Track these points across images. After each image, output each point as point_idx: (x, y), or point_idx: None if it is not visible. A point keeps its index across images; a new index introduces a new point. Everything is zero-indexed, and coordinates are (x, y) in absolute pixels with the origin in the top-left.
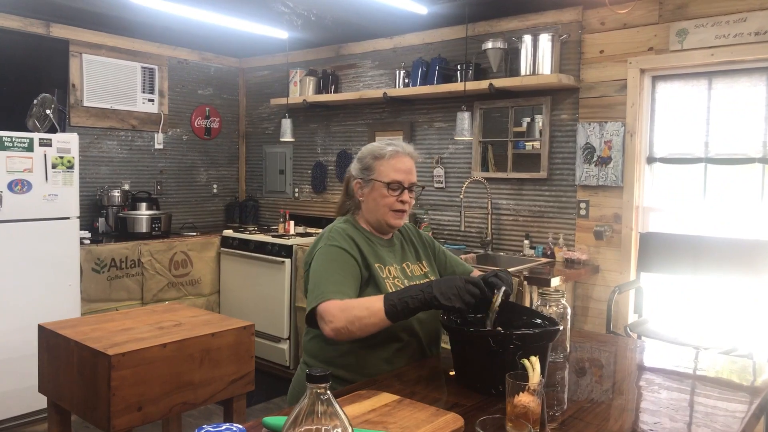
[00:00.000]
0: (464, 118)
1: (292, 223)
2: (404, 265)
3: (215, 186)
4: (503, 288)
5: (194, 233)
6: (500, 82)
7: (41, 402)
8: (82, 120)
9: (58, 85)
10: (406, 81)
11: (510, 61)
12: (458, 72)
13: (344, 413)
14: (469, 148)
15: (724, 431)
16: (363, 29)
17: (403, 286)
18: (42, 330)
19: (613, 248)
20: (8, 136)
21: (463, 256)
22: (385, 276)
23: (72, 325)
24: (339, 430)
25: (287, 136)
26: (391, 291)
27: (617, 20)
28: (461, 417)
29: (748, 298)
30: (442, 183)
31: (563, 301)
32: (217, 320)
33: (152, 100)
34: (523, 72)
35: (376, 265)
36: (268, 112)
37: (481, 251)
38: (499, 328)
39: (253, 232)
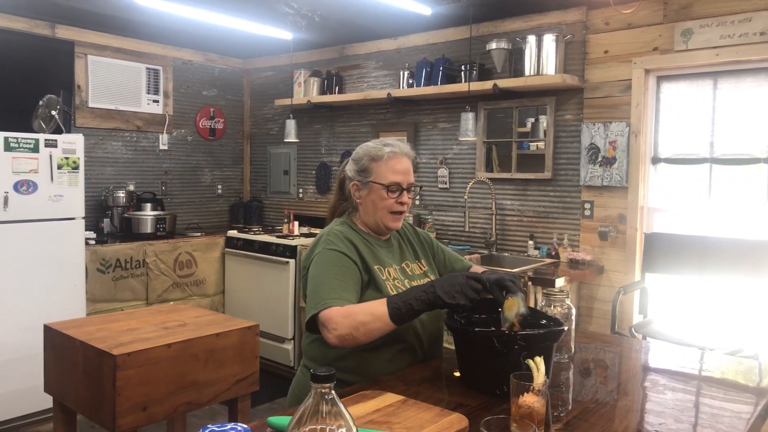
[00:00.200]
0: (468, 119)
1: (296, 223)
2: (403, 264)
3: (220, 187)
4: (520, 295)
5: (199, 234)
6: (504, 83)
7: (47, 402)
8: (87, 121)
9: (64, 86)
10: (410, 82)
11: (514, 61)
12: (462, 72)
13: (349, 413)
14: (474, 148)
15: None
16: (367, 30)
17: (403, 287)
18: (48, 330)
19: (618, 249)
20: (14, 137)
21: (467, 257)
22: (385, 278)
23: (77, 325)
24: (343, 429)
25: (291, 137)
26: (392, 293)
27: (622, 20)
28: (466, 417)
29: (754, 299)
30: (446, 183)
31: (568, 301)
32: (221, 320)
33: (157, 101)
34: (527, 72)
35: (376, 267)
36: (272, 113)
37: (486, 252)
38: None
39: (258, 232)
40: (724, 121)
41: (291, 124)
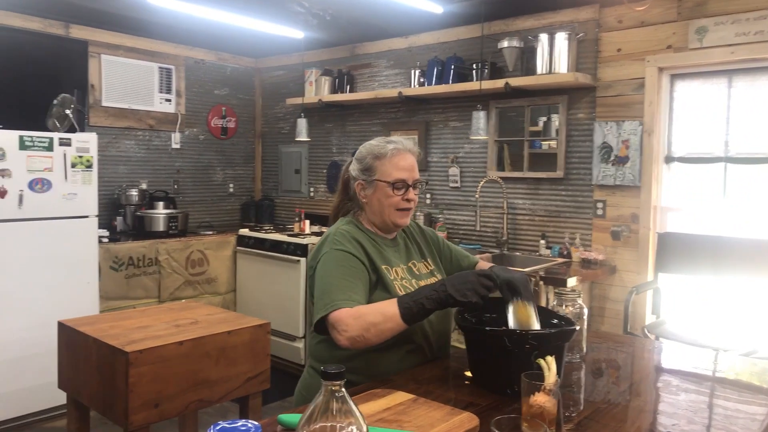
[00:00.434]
0: (480, 117)
1: (307, 222)
2: (410, 264)
3: (231, 185)
4: (533, 304)
5: (211, 232)
6: (516, 81)
7: (61, 398)
8: (101, 120)
9: (78, 85)
10: (421, 80)
11: (526, 59)
12: (474, 71)
13: (359, 411)
14: (485, 147)
15: None
16: (378, 29)
17: (411, 287)
18: (61, 327)
19: (631, 248)
20: (29, 136)
21: (478, 256)
22: (393, 278)
23: (91, 323)
24: (354, 427)
25: (303, 136)
26: (400, 293)
27: (635, 18)
28: (476, 416)
29: None
30: (457, 182)
31: (579, 301)
32: (233, 318)
33: (169, 100)
34: (539, 71)
35: (384, 267)
36: (283, 112)
37: (497, 251)
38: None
39: (269, 231)
40: (739, 119)
41: (302, 123)
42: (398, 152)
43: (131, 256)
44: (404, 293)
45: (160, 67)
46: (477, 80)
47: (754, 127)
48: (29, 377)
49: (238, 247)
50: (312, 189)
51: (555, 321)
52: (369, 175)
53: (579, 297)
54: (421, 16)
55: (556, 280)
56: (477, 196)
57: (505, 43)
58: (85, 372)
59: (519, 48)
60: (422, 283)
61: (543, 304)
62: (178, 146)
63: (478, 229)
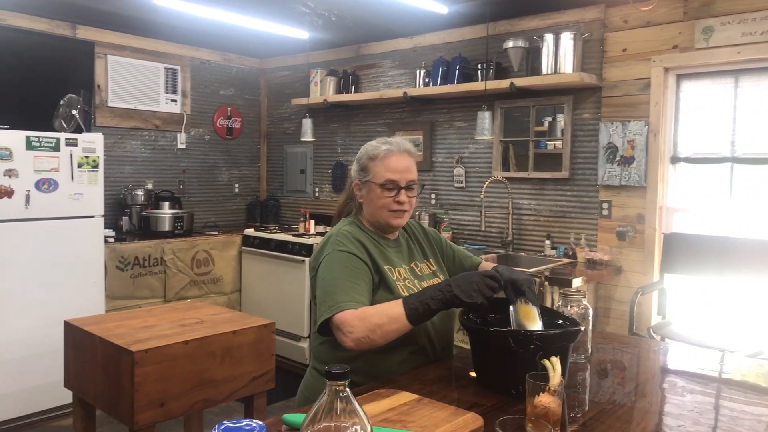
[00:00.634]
0: (485, 118)
1: (312, 222)
2: (412, 264)
3: (237, 185)
4: (536, 308)
5: (216, 232)
6: (521, 82)
7: (67, 397)
8: (107, 120)
9: (84, 85)
10: (427, 80)
11: (531, 60)
12: (479, 71)
13: (363, 411)
14: (490, 147)
15: None
16: (383, 29)
17: (414, 287)
18: (68, 326)
19: (636, 249)
20: (36, 136)
21: (483, 257)
22: (395, 278)
23: (96, 322)
24: (358, 427)
25: (308, 136)
26: (403, 293)
27: (641, 18)
28: (481, 417)
29: None
30: (462, 183)
31: (585, 301)
32: (238, 318)
33: (175, 101)
34: (544, 71)
35: (386, 267)
36: (289, 112)
37: (502, 251)
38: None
39: (274, 231)
40: (746, 119)
41: (307, 124)
42: (391, 153)
43: (137, 256)
44: (407, 294)
45: (165, 68)
46: (482, 80)
47: (761, 128)
48: (36, 376)
49: (244, 247)
50: (317, 189)
51: (560, 321)
52: (364, 175)
53: (584, 297)
54: (426, 16)
55: (561, 280)
56: (482, 196)
57: (510, 44)
58: (91, 371)
59: (524, 48)
60: (425, 283)
61: (548, 304)
62: (183, 146)
63: (483, 229)
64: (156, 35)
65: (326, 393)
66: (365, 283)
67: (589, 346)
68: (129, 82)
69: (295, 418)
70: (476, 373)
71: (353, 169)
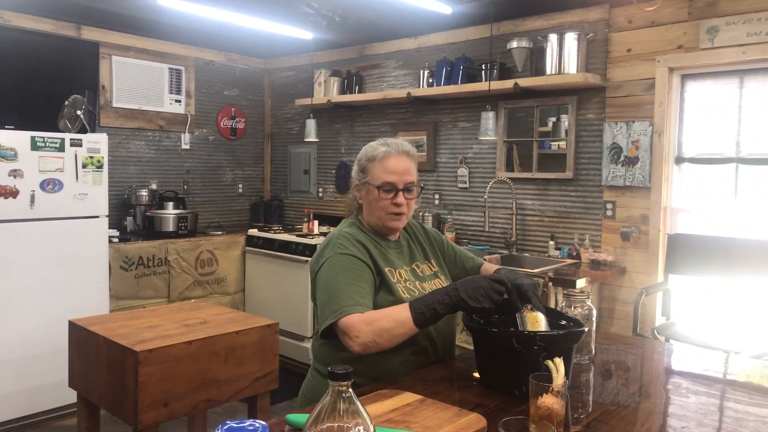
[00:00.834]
0: (489, 118)
1: (316, 222)
2: (414, 265)
3: (240, 186)
4: (542, 315)
5: (220, 232)
6: (525, 82)
7: (71, 396)
8: (111, 120)
9: (89, 86)
10: (430, 81)
11: (535, 60)
12: (483, 71)
13: (366, 412)
14: (494, 148)
15: None
16: (387, 29)
17: (415, 289)
18: (72, 326)
19: (640, 250)
20: (41, 137)
21: (487, 257)
22: (396, 280)
23: (101, 322)
24: (361, 428)
25: (311, 137)
26: (403, 295)
27: (645, 18)
28: (484, 418)
29: None
30: (466, 183)
31: (588, 302)
32: (241, 318)
33: (179, 101)
34: (548, 71)
35: (387, 269)
36: (292, 113)
37: (506, 252)
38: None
39: (278, 231)
40: (751, 120)
41: (311, 124)
42: (389, 154)
43: (141, 256)
44: (407, 295)
45: (170, 68)
46: (486, 81)
47: (766, 128)
48: (40, 376)
49: (247, 248)
50: (321, 189)
51: (564, 322)
52: (363, 176)
53: (588, 298)
54: (430, 16)
55: (565, 281)
56: (486, 196)
57: (514, 44)
58: (95, 371)
59: (528, 48)
60: (426, 284)
61: (552, 305)
62: (187, 147)
63: (486, 230)
64: (160, 36)
65: (329, 393)
66: (368, 285)
67: (593, 347)
68: (133, 82)
69: (299, 418)
70: (479, 374)
71: (354, 169)
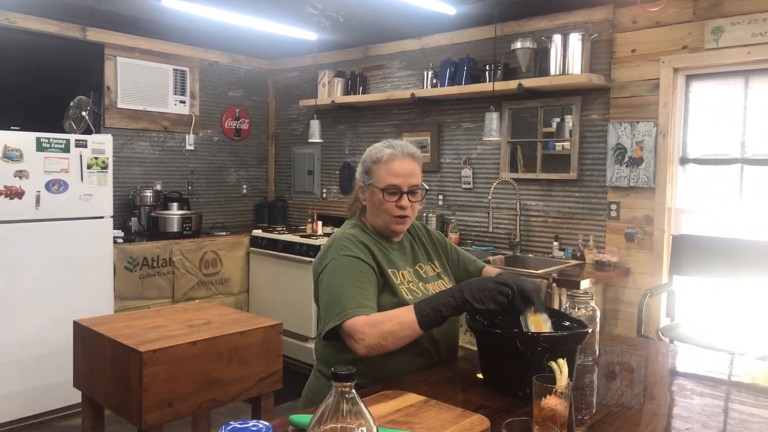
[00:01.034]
0: (493, 119)
1: (320, 223)
2: (417, 267)
3: (245, 186)
4: (545, 317)
5: (224, 233)
6: (529, 82)
7: (76, 397)
8: (116, 121)
9: (94, 87)
10: (434, 81)
11: (539, 60)
12: (487, 72)
13: (369, 413)
14: (498, 148)
15: None
16: (391, 30)
17: (418, 290)
18: (77, 326)
19: (645, 250)
20: (46, 138)
21: (491, 258)
22: (399, 282)
23: (105, 322)
24: (364, 429)
25: (316, 137)
26: (406, 296)
27: (650, 18)
28: (487, 419)
29: None
30: (470, 184)
31: (592, 303)
32: (246, 319)
33: (183, 102)
34: (552, 72)
35: (390, 270)
36: (296, 114)
37: (510, 253)
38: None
39: (282, 232)
40: (756, 120)
41: (315, 125)
42: (394, 157)
43: (146, 257)
44: (411, 297)
45: (174, 69)
46: (490, 81)
47: None
48: (45, 376)
49: (251, 248)
50: (324, 190)
51: (567, 323)
52: (367, 178)
53: (592, 299)
54: (434, 17)
55: (569, 282)
56: (490, 197)
57: (518, 44)
58: (99, 371)
59: (532, 49)
60: (429, 285)
61: (556, 306)
62: (192, 147)
63: (490, 230)
64: (165, 37)
65: (332, 394)
66: (372, 287)
67: (597, 348)
68: (138, 83)
69: (302, 419)
70: (483, 375)
71: (358, 171)
